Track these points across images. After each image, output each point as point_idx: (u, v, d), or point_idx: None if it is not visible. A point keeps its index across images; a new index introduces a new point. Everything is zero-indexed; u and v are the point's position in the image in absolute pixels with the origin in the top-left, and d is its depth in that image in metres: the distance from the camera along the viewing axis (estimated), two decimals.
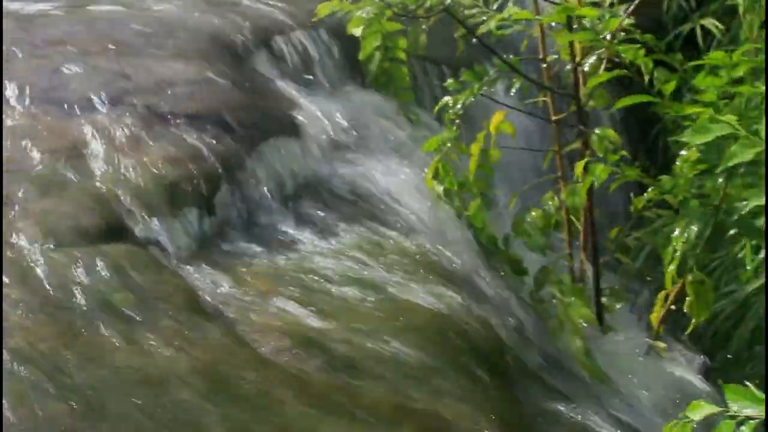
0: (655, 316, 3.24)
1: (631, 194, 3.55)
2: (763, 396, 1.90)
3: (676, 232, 3.04)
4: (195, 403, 1.98)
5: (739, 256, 3.98)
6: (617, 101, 2.89)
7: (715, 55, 2.64)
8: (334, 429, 2.04)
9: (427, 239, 3.02)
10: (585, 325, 3.21)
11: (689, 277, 3.08)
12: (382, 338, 2.45)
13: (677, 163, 3.00)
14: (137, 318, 2.22)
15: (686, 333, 3.14)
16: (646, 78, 2.85)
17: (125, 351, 2.08)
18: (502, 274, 3.22)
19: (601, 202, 4.29)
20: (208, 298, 2.43)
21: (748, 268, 3.88)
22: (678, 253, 3.08)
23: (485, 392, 2.43)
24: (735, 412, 1.88)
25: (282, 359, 2.26)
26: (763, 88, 2.64)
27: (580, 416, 2.57)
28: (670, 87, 2.79)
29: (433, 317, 2.61)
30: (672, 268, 3.10)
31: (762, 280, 3.80)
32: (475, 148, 3.32)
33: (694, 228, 3.04)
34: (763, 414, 1.88)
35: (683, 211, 3.02)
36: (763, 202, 2.76)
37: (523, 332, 2.97)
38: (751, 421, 1.87)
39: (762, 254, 3.89)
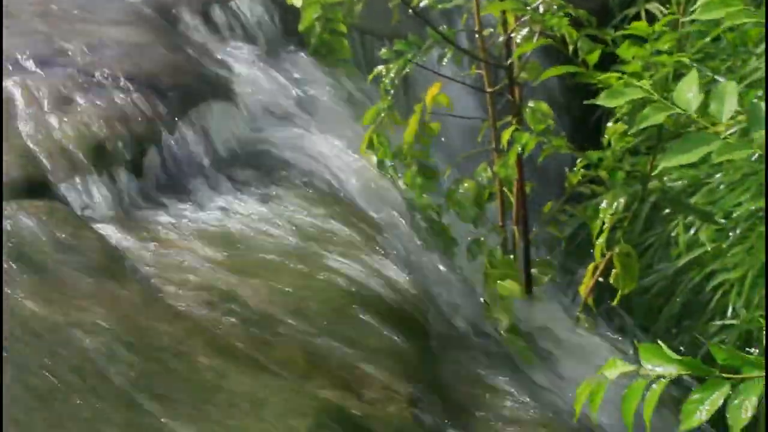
0: (584, 287, 3.28)
1: (566, 169, 3.60)
2: (674, 355, 1.92)
3: (604, 204, 3.08)
4: (101, 351, 2.00)
5: (673, 234, 4.05)
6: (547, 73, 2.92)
7: (639, 26, 2.68)
8: (243, 379, 2.05)
9: (357, 206, 3.04)
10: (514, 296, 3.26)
11: (616, 249, 3.13)
12: (301, 297, 2.47)
13: (605, 135, 3.04)
14: (51, 270, 2.23)
15: (613, 303, 3.18)
16: (571, 48, 2.88)
17: (34, 301, 2.09)
18: (435, 244, 3.25)
19: (544, 179, 4.35)
20: (127, 255, 2.44)
21: (680, 244, 3.94)
22: (606, 226, 3.12)
23: (402, 352, 2.46)
24: (648, 372, 1.90)
25: (196, 313, 2.27)
26: (684, 58, 2.67)
27: (498, 380, 2.60)
28: (593, 57, 2.82)
29: (354, 280, 2.63)
30: (600, 240, 3.14)
31: (693, 255, 3.86)
32: (412, 121, 3.35)
33: (622, 200, 3.08)
34: (674, 373, 1.90)
35: (610, 183, 3.06)
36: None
37: (451, 301, 3.00)
38: (662, 380, 1.89)
39: (693, 231, 3.96)
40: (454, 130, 3.86)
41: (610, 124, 3.00)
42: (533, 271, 3.37)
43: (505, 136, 3.01)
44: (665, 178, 4.13)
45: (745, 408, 1.83)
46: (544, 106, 3.23)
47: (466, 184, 3.39)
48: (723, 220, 3.89)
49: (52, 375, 1.87)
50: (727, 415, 1.82)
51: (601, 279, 3.22)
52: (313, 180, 3.05)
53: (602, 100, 2.31)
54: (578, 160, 3.12)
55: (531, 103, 3.24)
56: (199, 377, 2.02)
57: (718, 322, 3.65)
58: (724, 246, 3.84)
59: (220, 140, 3.05)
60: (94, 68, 2.99)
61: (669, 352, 1.92)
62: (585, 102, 2.53)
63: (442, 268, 3.09)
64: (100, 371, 1.94)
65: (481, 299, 3.05)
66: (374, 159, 3.31)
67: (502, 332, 2.89)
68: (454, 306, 2.93)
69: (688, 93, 2.19)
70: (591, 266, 3.25)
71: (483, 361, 2.69)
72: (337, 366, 2.27)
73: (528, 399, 2.54)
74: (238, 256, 2.58)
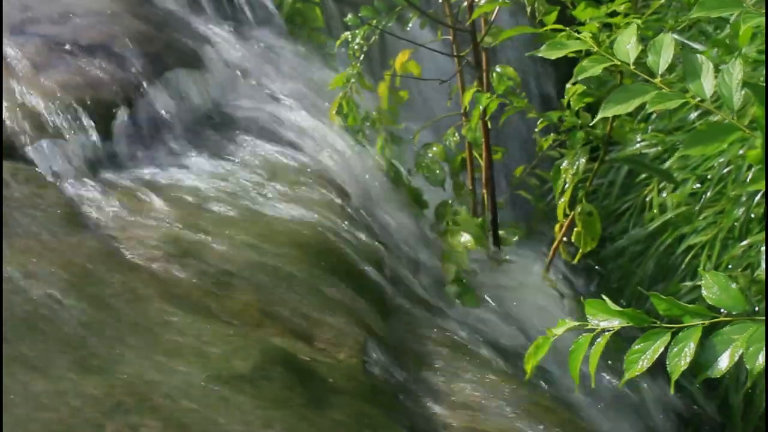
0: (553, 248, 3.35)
1: (537, 133, 3.66)
2: (617, 308, 1.98)
3: (564, 164, 3.14)
4: (55, 298, 2.07)
5: (648, 198, 4.11)
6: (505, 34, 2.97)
7: None
8: (193, 326, 2.12)
9: (323, 169, 3.11)
10: (483, 256, 3.33)
11: (578, 209, 3.19)
12: (260, 251, 2.54)
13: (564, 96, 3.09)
14: (11, 225, 2.30)
15: (574, 261, 3.24)
16: (528, 10, 2.93)
17: None
18: (403, 206, 3.32)
19: (519, 146, 4.41)
20: (90, 212, 2.52)
21: (654, 208, 4.00)
22: (567, 186, 3.18)
23: (357, 305, 2.53)
24: (593, 326, 1.96)
25: (152, 265, 2.35)
26: (637, 20, 2.72)
27: (451, 333, 2.67)
28: (551, 18, 2.88)
29: (316, 237, 2.70)
30: (562, 200, 3.21)
31: (665, 218, 3.92)
32: (382, 88, 3.42)
33: (582, 160, 3.14)
34: (618, 325, 1.96)
35: (570, 143, 3.12)
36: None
37: (413, 258, 3.07)
38: (606, 333, 1.94)
39: (665, 194, 4.01)
40: (436, 93, 3.89)
41: (569, 84, 3.06)
42: (501, 232, 3.45)
43: (467, 97, 3.07)
44: (642, 144, 4.20)
45: (684, 354, 1.89)
46: (510, 70, 3.29)
47: (434, 148, 3.46)
48: (698, 185, 3.95)
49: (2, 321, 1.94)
50: (667, 362, 1.88)
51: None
52: (280, 144, 3.12)
53: (543, 52, 2.36)
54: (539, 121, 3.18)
55: (498, 68, 3.30)
56: (149, 323, 2.09)
57: (689, 283, 3.71)
58: (695, 209, 3.90)
59: (188, 106, 3.12)
60: (65, 36, 3.06)
61: (612, 305, 1.98)
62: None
63: (408, 229, 3.16)
64: (51, 317, 2.01)
65: (442, 256, 3.11)
66: (344, 123, 3.38)
67: (449, 283, 2.95)
68: (416, 263, 3.00)
69: (627, 45, 2.25)
70: (557, 226, 3.32)
71: (439, 314, 2.76)
72: (291, 317, 2.34)
73: (481, 352, 2.61)
74: (200, 214, 2.65)
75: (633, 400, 2.93)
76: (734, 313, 1.92)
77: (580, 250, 3.20)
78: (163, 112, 3.03)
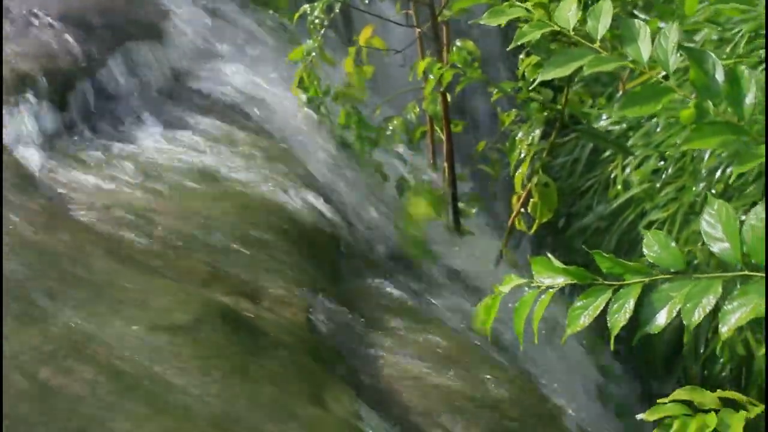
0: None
1: (499, 109, 3.70)
2: (561, 265, 2.01)
3: (520, 135, 3.17)
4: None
5: (612, 176, 4.15)
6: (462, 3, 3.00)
7: None
8: (137, 283, 2.15)
9: (282, 139, 3.15)
10: (443, 227, 3.38)
11: (534, 180, 3.22)
12: (212, 217, 2.57)
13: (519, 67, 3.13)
14: None
15: (531, 232, 3.27)
16: None
17: None
18: (364, 178, 3.36)
19: (489, 121, 4.44)
20: (43, 177, 2.55)
21: (618, 185, 4.04)
22: (523, 157, 3.22)
23: (308, 268, 2.56)
24: (538, 284, 1.99)
25: (101, 227, 2.38)
26: None
27: (403, 297, 2.70)
28: None
29: (269, 205, 2.73)
30: (520, 171, 3.24)
31: (628, 195, 3.96)
32: (348, 64, 3.45)
33: (537, 131, 3.18)
34: (562, 282, 1.98)
35: (524, 114, 3.16)
36: None
37: (371, 228, 3.11)
38: (551, 290, 1.97)
39: (628, 170, 4.05)
40: (400, 69, 3.91)
41: (522, 55, 3.09)
42: (461, 204, 3.48)
43: (420, 67, 3.10)
44: (606, 121, 4.25)
45: (624, 311, 1.92)
46: (470, 44, 3.33)
47: (395, 121, 3.50)
48: (662, 162, 4.00)
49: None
50: (607, 318, 1.91)
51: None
52: (238, 115, 3.15)
53: (485, 20, 2.39)
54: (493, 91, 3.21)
55: (458, 42, 3.33)
56: (94, 279, 2.12)
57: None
58: (657, 186, 3.95)
59: (147, 77, 3.15)
60: (24, 8, 3.09)
61: (557, 263, 2.01)
62: None
63: (365, 199, 3.20)
64: None
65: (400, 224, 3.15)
66: (304, 96, 3.41)
67: (401, 246, 2.99)
68: (372, 232, 3.04)
69: (568, 12, 2.28)
70: (514, 198, 3.36)
71: (392, 280, 2.79)
72: (239, 278, 2.37)
73: (431, 315, 2.65)
74: (154, 180, 2.68)
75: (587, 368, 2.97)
76: (673, 270, 1.95)
77: (536, 221, 3.24)
78: (121, 82, 3.06)
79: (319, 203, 2.89)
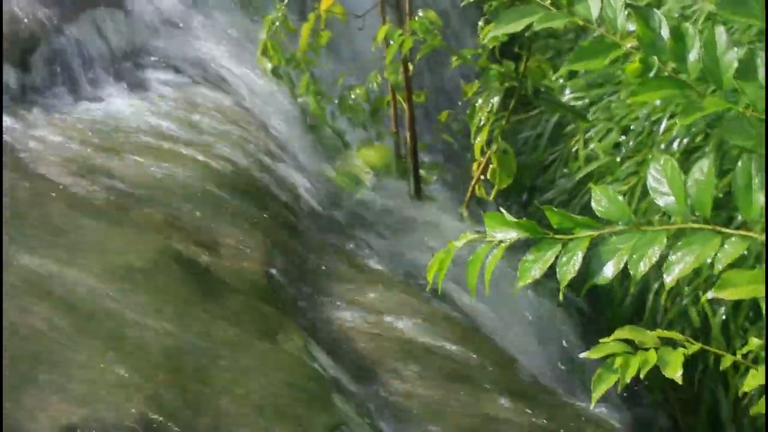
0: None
1: (461, 81, 3.75)
2: (513, 219, 2.06)
3: (479, 102, 3.23)
4: None
5: (574, 150, 4.21)
6: None
7: None
8: (95, 229, 2.20)
9: (242, 105, 3.19)
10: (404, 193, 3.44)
11: (493, 147, 3.28)
12: (171, 174, 2.62)
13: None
14: None
15: (491, 198, 3.33)
16: None
17: None
18: (323, 144, 3.41)
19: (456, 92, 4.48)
20: (5, 137, 2.58)
21: (580, 159, 4.11)
22: (483, 124, 3.28)
23: (266, 225, 2.61)
24: (491, 238, 2.04)
25: (60, 180, 2.42)
26: None
27: (366, 257, 2.75)
28: None
29: (228, 165, 2.78)
30: (479, 139, 3.30)
31: (590, 168, 4.03)
32: (305, 28, 3.50)
33: (496, 99, 3.23)
34: (514, 237, 2.03)
35: (483, 81, 3.21)
36: None
37: (331, 191, 3.16)
38: (503, 244, 2.02)
39: (592, 146, 4.12)
40: (365, 39, 3.94)
41: (481, 22, 3.15)
42: (422, 171, 3.54)
43: (380, 34, 3.15)
44: (570, 96, 4.31)
45: (572, 263, 1.98)
46: (432, 14, 3.38)
47: (357, 91, 3.55)
48: (623, 137, 4.07)
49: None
50: (557, 270, 1.97)
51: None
52: (200, 83, 3.20)
53: None
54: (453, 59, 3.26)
55: (420, 12, 3.38)
56: (52, 224, 2.16)
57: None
58: (617, 159, 4.02)
59: (110, 44, 3.18)
60: None
61: (509, 217, 2.06)
62: None
63: (325, 164, 3.25)
64: None
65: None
66: (268, 65, 3.46)
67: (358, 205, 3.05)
68: (331, 195, 3.09)
69: None
70: (474, 165, 3.41)
71: (350, 239, 2.85)
72: (197, 230, 2.42)
73: (386, 270, 2.70)
74: (114, 139, 2.72)
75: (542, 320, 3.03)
76: (620, 224, 2.00)
77: (496, 186, 3.30)
78: (84, 47, 3.09)
79: (279, 165, 2.94)
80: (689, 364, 3.24)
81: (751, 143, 1.92)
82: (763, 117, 1.87)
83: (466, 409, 2.17)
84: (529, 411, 2.27)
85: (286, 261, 2.49)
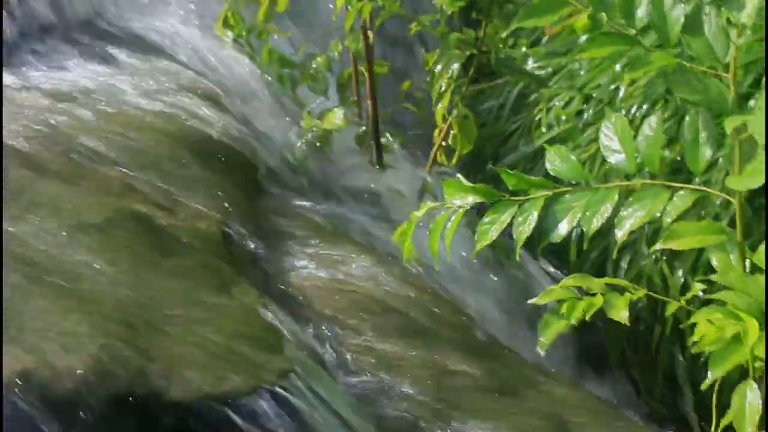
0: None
1: (423, 50, 3.78)
2: (470, 185, 2.09)
3: (438, 68, 3.26)
4: None
5: (537, 117, 4.25)
6: None
7: None
8: (50, 189, 2.21)
9: (203, 74, 3.21)
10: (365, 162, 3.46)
11: (454, 112, 3.31)
12: (129, 138, 2.63)
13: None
14: None
15: (452, 163, 3.36)
16: None
17: None
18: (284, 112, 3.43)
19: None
20: None
21: (543, 125, 4.14)
22: (443, 90, 3.31)
23: (224, 187, 2.63)
24: (451, 205, 2.06)
25: (20, 144, 2.43)
26: None
27: (324, 219, 2.78)
28: None
29: (187, 130, 2.79)
30: (440, 106, 3.33)
31: (552, 134, 4.06)
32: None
33: (456, 65, 3.27)
34: (472, 201, 2.06)
35: (442, 48, 3.24)
36: None
37: (294, 156, 3.18)
38: (460, 210, 2.04)
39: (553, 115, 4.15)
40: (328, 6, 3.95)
41: None
42: (383, 140, 3.57)
43: (338, 1, 3.17)
44: (534, 66, 4.35)
45: (528, 223, 2.01)
46: None
47: (318, 59, 3.57)
48: (585, 104, 4.10)
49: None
50: (513, 231, 2.00)
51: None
52: (161, 51, 3.21)
53: None
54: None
55: None
56: (7, 185, 2.17)
57: None
58: (579, 125, 4.05)
59: (70, 13, 3.19)
60: None
61: (466, 183, 2.09)
62: None
63: (286, 131, 3.27)
64: None
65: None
66: (230, 34, 3.47)
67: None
68: (293, 158, 3.11)
69: None
70: (435, 132, 3.45)
71: (310, 201, 2.87)
72: (154, 191, 2.43)
73: (346, 234, 2.73)
74: (73, 105, 2.73)
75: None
76: (574, 182, 2.04)
77: (457, 152, 3.33)
78: (41, 14, 3.09)
79: (239, 131, 2.95)
80: (648, 327, 3.30)
81: (697, 97, 1.96)
82: (710, 71, 1.91)
83: (423, 363, 2.20)
84: (486, 365, 2.31)
85: (244, 222, 2.51)
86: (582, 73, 4.20)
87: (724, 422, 1.71)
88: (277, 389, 1.69)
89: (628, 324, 1.82)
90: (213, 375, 1.66)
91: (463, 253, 2.84)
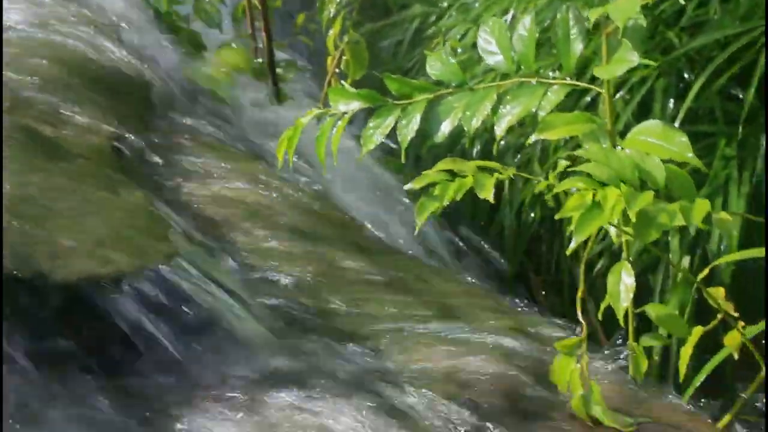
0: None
1: None
2: (354, 90, 2.15)
3: None
4: None
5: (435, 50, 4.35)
6: None
7: None
8: None
9: (99, 11, 3.24)
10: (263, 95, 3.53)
11: (345, 38, 3.39)
12: (21, 62, 2.66)
13: None
14: None
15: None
16: None
17: None
18: (179, 46, 3.48)
19: None
20: None
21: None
22: (334, 16, 3.39)
23: (118, 109, 2.68)
24: (335, 111, 2.13)
25: None
26: None
27: (208, 133, 2.84)
28: None
29: (81, 59, 2.84)
30: (331, 32, 3.41)
31: None
32: None
33: None
34: (357, 107, 2.12)
35: None
36: None
37: (188, 90, 3.24)
38: (345, 115, 2.11)
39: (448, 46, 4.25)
40: None
41: None
42: (278, 70, 3.64)
43: None
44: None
45: (411, 125, 2.09)
46: None
47: None
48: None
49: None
50: (397, 134, 2.08)
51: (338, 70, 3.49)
52: None
53: None
54: None
55: None
56: None
57: None
58: (475, 56, 4.16)
59: None
60: None
61: (350, 89, 2.16)
62: None
63: (180, 64, 3.32)
64: None
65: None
66: None
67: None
68: (185, 89, 3.17)
69: None
70: (328, 59, 3.52)
71: (203, 123, 2.94)
72: (43, 109, 2.47)
73: (238, 152, 2.81)
74: None
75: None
76: (454, 84, 2.12)
77: (350, 78, 3.41)
78: None
79: (131, 60, 3.00)
80: (549, 247, 3.40)
81: None
82: None
83: (313, 258, 2.29)
84: (374, 262, 2.40)
85: (136, 140, 2.57)
86: (476, 5, 4.33)
87: (603, 305, 1.81)
88: (162, 268, 1.76)
89: (492, 201, 1.90)
90: (98, 258, 1.72)
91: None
